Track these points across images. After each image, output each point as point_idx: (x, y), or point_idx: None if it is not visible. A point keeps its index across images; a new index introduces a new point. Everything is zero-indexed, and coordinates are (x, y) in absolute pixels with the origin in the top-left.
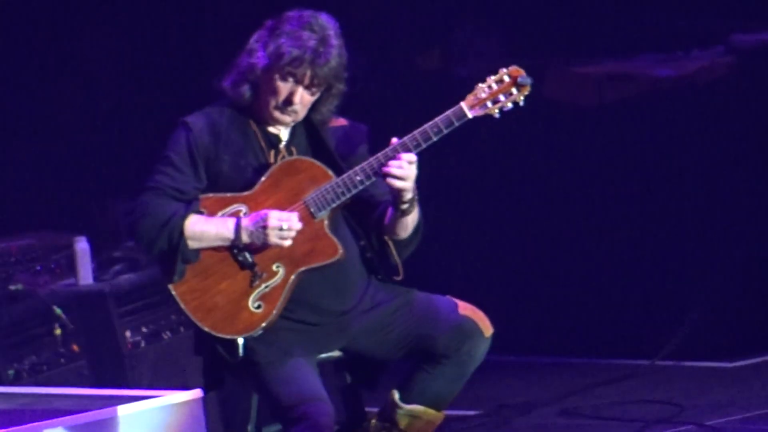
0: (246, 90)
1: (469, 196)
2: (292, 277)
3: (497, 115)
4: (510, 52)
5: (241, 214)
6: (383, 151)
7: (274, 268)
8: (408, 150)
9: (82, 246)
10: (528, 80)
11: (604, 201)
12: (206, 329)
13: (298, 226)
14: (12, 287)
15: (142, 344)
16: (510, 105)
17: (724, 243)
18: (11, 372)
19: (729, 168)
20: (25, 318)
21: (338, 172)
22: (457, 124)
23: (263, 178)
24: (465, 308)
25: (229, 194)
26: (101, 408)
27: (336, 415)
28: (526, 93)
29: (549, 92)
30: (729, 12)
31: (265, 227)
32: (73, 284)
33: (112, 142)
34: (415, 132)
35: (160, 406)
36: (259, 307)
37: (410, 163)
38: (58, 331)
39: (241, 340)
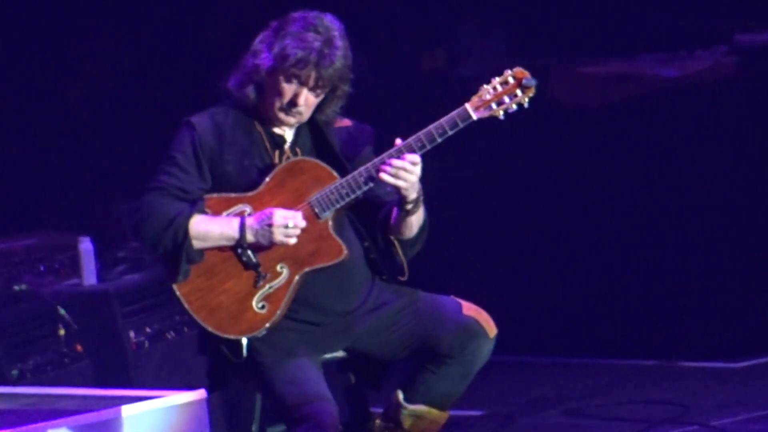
0: (251, 91)
1: (472, 195)
2: (297, 277)
3: (502, 117)
4: (514, 52)
5: (246, 215)
6: (387, 152)
7: (278, 268)
8: (412, 151)
9: (86, 246)
10: (533, 82)
11: (607, 201)
12: (210, 329)
13: (303, 224)
14: (16, 287)
15: (146, 344)
16: (515, 107)
17: (728, 242)
18: (15, 372)
19: (733, 168)
20: (29, 318)
21: (343, 172)
22: (461, 125)
23: (268, 179)
24: (469, 309)
25: (233, 194)
26: (105, 408)
27: (340, 415)
28: (531, 95)
29: (552, 92)
30: (732, 12)
31: (270, 225)
32: (77, 284)
33: (117, 143)
34: (420, 133)
35: (164, 407)
36: (263, 307)
37: (413, 164)
38: (62, 332)
39: (245, 341)
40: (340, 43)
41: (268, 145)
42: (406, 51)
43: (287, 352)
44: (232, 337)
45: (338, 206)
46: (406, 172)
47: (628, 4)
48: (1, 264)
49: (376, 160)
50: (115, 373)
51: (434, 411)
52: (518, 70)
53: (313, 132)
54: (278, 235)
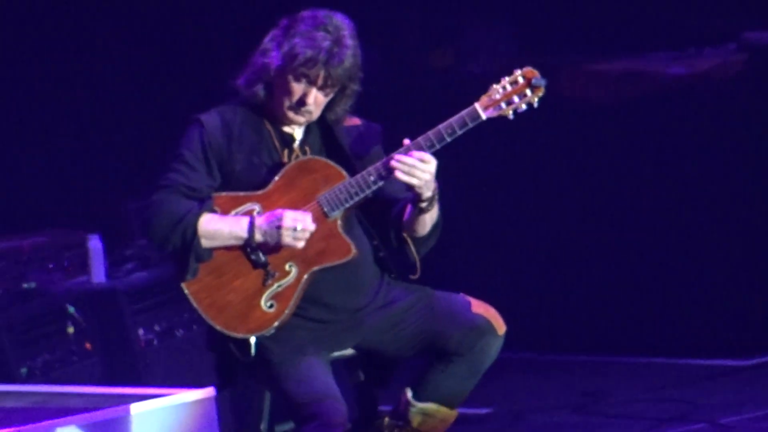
0: (260, 89)
1: (482, 193)
2: (305, 276)
3: (511, 117)
4: (522, 50)
5: (255, 213)
6: (397, 151)
7: (286, 267)
8: (421, 150)
9: (94, 244)
10: (542, 82)
11: (615, 198)
12: (218, 328)
13: (312, 227)
14: (25, 285)
15: (155, 342)
16: (524, 106)
17: (738, 240)
18: (24, 370)
19: (743, 164)
20: (37, 316)
21: (352, 171)
22: (471, 125)
23: (277, 178)
24: (478, 306)
25: (242, 193)
26: (114, 406)
27: (349, 413)
28: (541, 94)
29: (562, 90)
30: (741, 10)
31: (279, 227)
32: (85, 282)
33: (125, 141)
34: (429, 132)
35: (172, 405)
36: (271, 306)
37: (422, 161)
38: (70, 329)
39: (253, 339)
40: (349, 42)
41: (277, 143)
42: (414, 48)
43: (296, 350)
44: (240, 335)
45: (347, 205)
46: (419, 169)
47: (636, 3)
48: (10, 262)
49: (386, 159)
50: (124, 371)
51: (443, 409)
52: (528, 69)
53: (323, 131)
54: (287, 238)
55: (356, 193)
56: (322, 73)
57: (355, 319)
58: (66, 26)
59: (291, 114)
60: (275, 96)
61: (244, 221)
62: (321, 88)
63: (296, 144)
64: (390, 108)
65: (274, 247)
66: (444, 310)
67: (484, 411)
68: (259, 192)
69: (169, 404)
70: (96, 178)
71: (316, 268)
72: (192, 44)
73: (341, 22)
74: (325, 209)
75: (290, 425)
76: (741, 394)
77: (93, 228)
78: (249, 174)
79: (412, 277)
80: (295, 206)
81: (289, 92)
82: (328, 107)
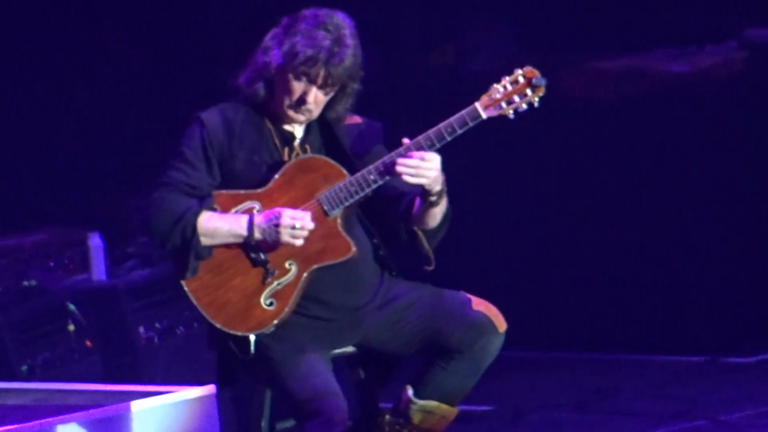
0: (260, 87)
1: (484, 190)
2: (305, 274)
3: (512, 116)
4: (524, 48)
5: (255, 212)
6: (397, 150)
7: (286, 265)
8: (421, 149)
9: (95, 242)
10: (543, 81)
11: (619, 195)
12: (218, 326)
13: (311, 225)
14: (25, 283)
15: (156, 340)
16: (525, 106)
17: (740, 237)
18: (25, 368)
19: (745, 161)
20: (38, 314)
21: (352, 170)
22: (471, 124)
23: (277, 176)
24: (479, 304)
25: (242, 191)
26: (114, 404)
27: (349, 410)
28: (541, 94)
29: (563, 87)
30: (742, 7)
31: (277, 225)
32: (86, 280)
33: (126, 139)
34: (429, 131)
35: (173, 402)
36: (271, 304)
37: (425, 160)
38: (71, 327)
39: (253, 337)
40: (350, 41)
41: (277, 141)
42: (414, 48)
43: (297, 347)
44: (240, 333)
45: (347, 204)
46: (424, 168)
47: (637, 1)
48: (11, 260)
49: (386, 157)
50: (125, 368)
51: (444, 406)
52: (528, 69)
53: (323, 129)
54: (285, 236)
55: (356, 192)
56: (322, 72)
57: (355, 318)
58: (66, 26)
59: (291, 112)
60: (276, 94)
61: (244, 219)
62: (321, 87)
63: (296, 142)
64: (390, 107)
65: (273, 245)
66: (445, 308)
67: (484, 408)
68: (259, 190)
69: (169, 402)
70: (97, 176)
71: (315, 266)
72: (192, 44)
73: (342, 21)
74: (325, 208)
75: (291, 423)
76: (742, 391)
77: (94, 226)
78: (249, 172)
79: (427, 268)
80: (295, 205)
81: (289, 91)
82: (329, 106)
